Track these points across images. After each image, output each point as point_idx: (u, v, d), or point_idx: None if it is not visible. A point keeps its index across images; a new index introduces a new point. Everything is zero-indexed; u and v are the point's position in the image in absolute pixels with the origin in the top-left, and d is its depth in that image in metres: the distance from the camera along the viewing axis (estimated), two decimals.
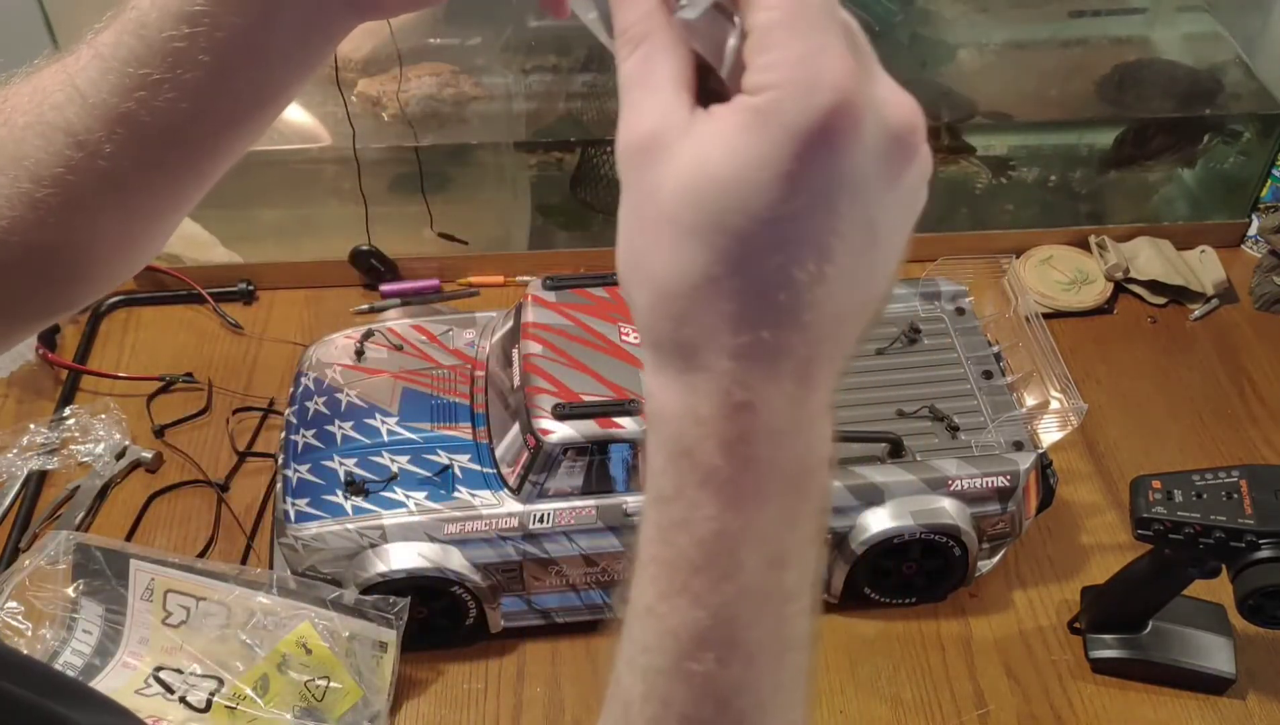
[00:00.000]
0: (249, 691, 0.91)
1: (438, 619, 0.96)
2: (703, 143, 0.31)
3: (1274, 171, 1.34)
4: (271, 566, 0.99)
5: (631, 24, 0.33)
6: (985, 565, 1.02)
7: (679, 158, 0.31)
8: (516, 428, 0.94)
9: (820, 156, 0.30)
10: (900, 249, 0.35)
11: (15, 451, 1.12)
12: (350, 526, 0.92)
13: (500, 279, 1.32)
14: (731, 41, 0.33)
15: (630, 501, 0.93)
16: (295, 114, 1.28)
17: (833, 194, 0.31)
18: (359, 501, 0.93)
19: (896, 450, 0.97)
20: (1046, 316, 1.10)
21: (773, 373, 0.32)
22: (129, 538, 1.07)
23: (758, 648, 0.35)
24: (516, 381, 0.95)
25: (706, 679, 0.34)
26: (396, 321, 1.10)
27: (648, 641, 0.35)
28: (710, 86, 0.33)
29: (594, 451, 0.90)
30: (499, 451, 0.95)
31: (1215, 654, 0.95)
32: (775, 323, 0.32)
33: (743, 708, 0.35)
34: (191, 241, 1.31)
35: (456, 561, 0.92)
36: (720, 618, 0.34)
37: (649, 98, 0.32)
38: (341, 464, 0.96)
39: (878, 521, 0.94)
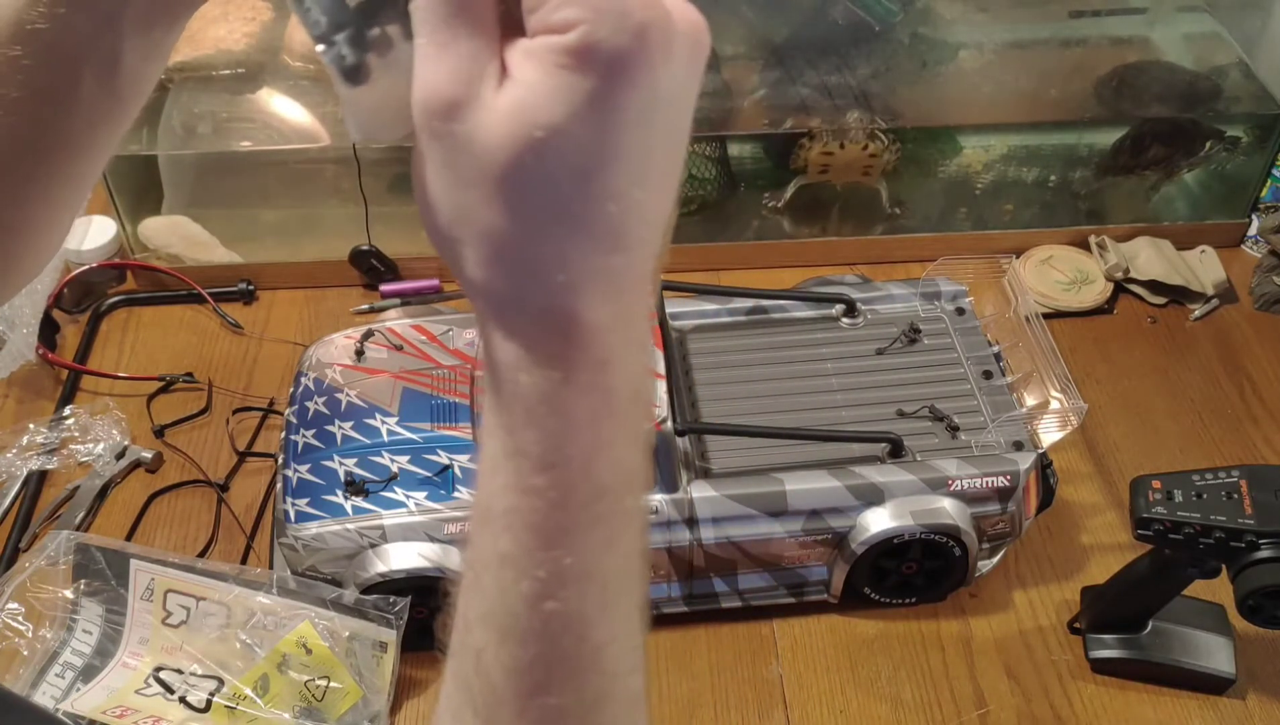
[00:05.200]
0: (249, 691, 0.91)
1: (438, 619, 0.96)
2: (521, 92, 0.30)
3: (1274, 171, 1.34)
4: (271, 566, 0.99)
5: None
6: (985, 565, 1.02)
7: (496, 111, 0.30)
8: None
9: (643, 80, 0.30)
10: (681, 161, 0.34)
11: (15, 451, 1.12)
12: (350, 526, 0.92)
13: None
14: None
15: None
16: (295, 114, 1.28)
17: (656, 110, 0.31)
18: (359, 501, 0.93)
19: (896, 450, 0.97)
20: (1046, 316, 1.10)
21: (617, 295, 0.33)
22: (129, 538, 1.07)
23: (611, 573, 0.35)
24: None
25: (566, 616, 0.34)
26: (396, 321, 1.10)
27: (504, 588, 0.34)
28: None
29: None
30: None
31: (1215, 654, 0.95)
32: (621, 246, 0.32)
33: (599, 638, 0.35)
34: (191, 241, 1.31)
35: (456, 561, 0.92)
36: (580, 552, 0.34)
37: (451, 50, 0.31)
38: (341, 464, 0.96)
39: (878, 521, 0.94)
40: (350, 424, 0.99)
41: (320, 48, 0.33)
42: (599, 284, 0.32)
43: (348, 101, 0.33)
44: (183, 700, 0.91)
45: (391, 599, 0.92)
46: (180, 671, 0.93)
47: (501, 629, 0.35)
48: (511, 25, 0.31)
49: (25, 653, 0.92)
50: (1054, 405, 1.00)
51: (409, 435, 0.98)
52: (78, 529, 1.06)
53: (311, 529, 0.92)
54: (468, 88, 0.30)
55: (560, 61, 0.29)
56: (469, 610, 0.36)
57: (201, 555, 1.05)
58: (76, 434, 1.14)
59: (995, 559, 1.02)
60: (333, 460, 0.97)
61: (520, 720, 0.35)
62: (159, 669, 0.93)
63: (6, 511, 1.09)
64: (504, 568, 0.34)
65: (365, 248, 1.29)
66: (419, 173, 0.33)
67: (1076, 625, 1.00)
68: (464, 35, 0.31)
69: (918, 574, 1.00)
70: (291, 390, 1.05)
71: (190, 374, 1.21)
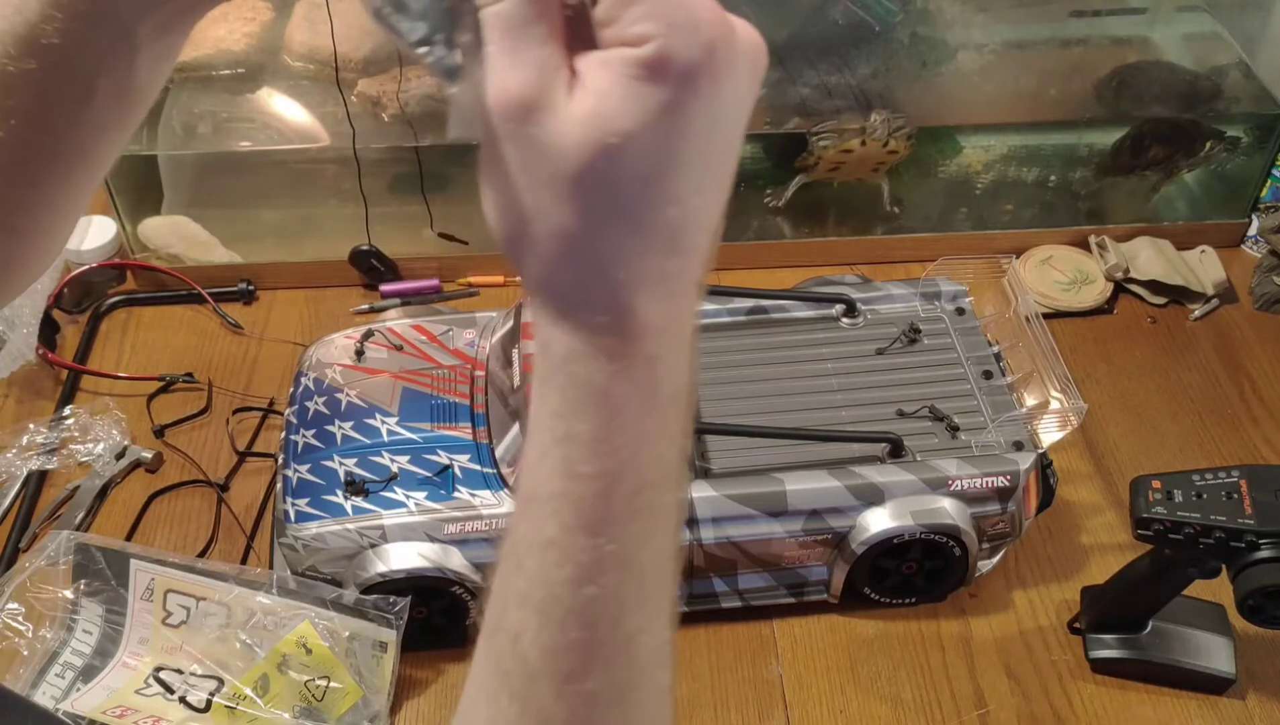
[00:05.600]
0: (249, 691, 0.91)
1: (438, 619, 0.96)
2: (596, 100, 0.32)
3: (1274, 171, 1.34)
4: (271, 566, 0.99)
5: None
6: (985, 565, 1.02)
7: (571, 117, 0.32)
8: (516, 428, 0.94)
9: (709, 92, 0.32)
10: (732, 171, 0.36)
11: (15, 451, 1.12)
12: (350, 526, 0.92)
13: (500, 279, 1.32)
14: None
15: None
16: (295, 114, 1.28)
17: (718, 122, 0.33)
18: (359, 501, 0.93)
19: (896, 450, 0.97)
20: (1046, 316, 1.10)
21: (671, 297, 0.35)
22: (129, 538, 1.07)
23: (648, 566, 0.36)
24: (516, 381, 0.95)
25: (604, 601, 0.36)
26: (396, 321, 1.10)
27: (547, 574, 0.36)
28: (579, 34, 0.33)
29: None
30: (499, 451, 0.95)
31: (1215, 654, 0.95)
32: (678, 250, 0.34)
33: (631, 627, 0.36)
34: (191, 241, 1.31)
35: (456, 561, 0.92)
36: (622, 540, 0.35)
37: (522, 55, 0.32)
38: (341, 464, 0.96)
39: (878, 521, 0.94)
40: (350, 424, 0.99)
41: (422, 50, 0.34)
42: (655, 285, 0.34)
43: (451, 101, 0.35)
44: (183, 700, 0.91)
45: (391, 599, 0.92)
46: (180, 671, 0.93)
47: (542, 612, 0.36)
48: (577, 36, 0.33)
49: (25, 653, 0.92)
50: (1054, 405, 1.00)
51: (409, 435, 0.98)
52: (78, 529, 1.06)
53: (311, 529, 0.92)
54: (540, 93, 0.32)
55: (634, 73, 0.31)
56: (508, 593, 0.37)
57: (201, 555, 1.05)
58: (76, 434, 1.14)
59: (995, 559, 1.02)
60: (333, 460, 0.97)
61: (557, 703, 0.36)
62: (159, 669, 0.93)
63: (6, 511, 1.09)
64: (547, 551, 0.35)
65: (365, 248, 1.29)
66: (488, 172, 0.34)
67: (1076, 625, 1.00)
68: (535, 43, 0.32)
69: (918, 574, 1.00)
70: (291, 390, 1.05)
71: (190, 374, 1.21)
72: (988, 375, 1.04)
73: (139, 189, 1.31)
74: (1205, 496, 0.84)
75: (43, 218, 0.49)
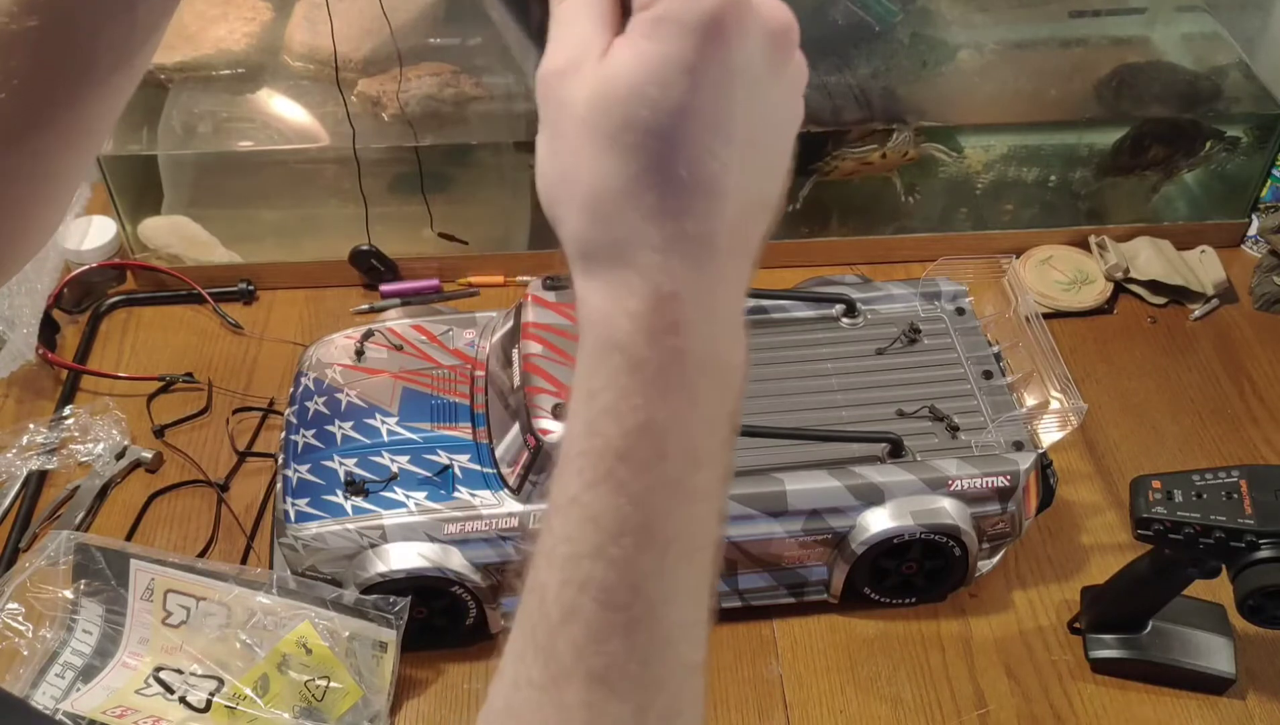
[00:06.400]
0: (249, 691, 0.91)
1: (438, 619, 0.96)
2: (610, 56, 0.34)
3: (1274, 171, 1.34)
4: (271, 566, 0.99)
5: None
6: (985, 565, 1.02)
7: (592, 73, 0.35)
8: (517, 428, 0.94)
9: (714, 49, 0.34)
10: (786, 154, 0.38)
11: (15, 451, 1.12)
12: (350, 526, 0.92)
13: (500, 279, 1.32)
14: None
15: None
16: (295, 114, 1.28)
17: (730, 83, 0.35)
18: (359, 501, 0.93)
19: (896, 450, 0.97)
20: (1046, 316, 1.10)
21: (695, 263, 0.35)
22: (129, 538, 1.07)
23: (672, 538, 0.37)
24: (516, 381, 0.95)
25: (624, 564, 0.36)
26: (396, 321, 1.10)
27: (569, 531, 0.36)
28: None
29: None
30: (499, 451, 0.95)
31: (1215, 654, 0.95)
32: (693, 212, 0.35)
33: (653, 596, 0.37)
34: (191, 241, 1.31)
35: (456, 561, 0.92)
36: (640, 504, 0.36)
37: (570, 31, 0.36)
38: (341, 464, 0.96)
39: (878, 521, 0.94)
40: (350, 424, 0.99)
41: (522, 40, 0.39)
42: (673, 247, 0.35)
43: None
44: (183, 700, 0.91)
45: (391, 599, 0.92)
46: (180, 671, 0.93)
47: (565, 570, 0.36)
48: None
49: (25, 653, 0.92)
50: (1054, 405, 1.00)
51: (409, 435, 0.98)
52: (78, 529, 1.06)
53: (311, 529, 0.92)
54: (573, 60, 0.35)
55: (642, 30, 0.34)
56: (539, 551, 0.38)
57: (201, 555, 1.05)
58: (76, 434, 1.14)
59: (995, 559, 1.02)
60: (333, 460, 0.97)
61: (577, 658, 0.36)
62: (159, 669, 0.93)
63: (6, 511, 1.09)
64: (571, 508, 0.36)
65: (365, 248, 1.29)
66: (537, 142, 0.37)
67: (1076, 625, 1.00)
68: (583, 19, 0.35)
69: (918, 574, 1.00)
70: (291, 390, 1.05)
71: (190, 374, 1.21)
72: (988, 375, 1.04)
73: (139, 189, 1.31)
74: (1205, 496, 0.84)
75: (43, 188, 0.49)
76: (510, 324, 1.02)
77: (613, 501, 0.36)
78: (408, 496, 0.94)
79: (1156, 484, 0.86)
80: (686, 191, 0.35)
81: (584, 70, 0.35)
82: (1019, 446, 0.98)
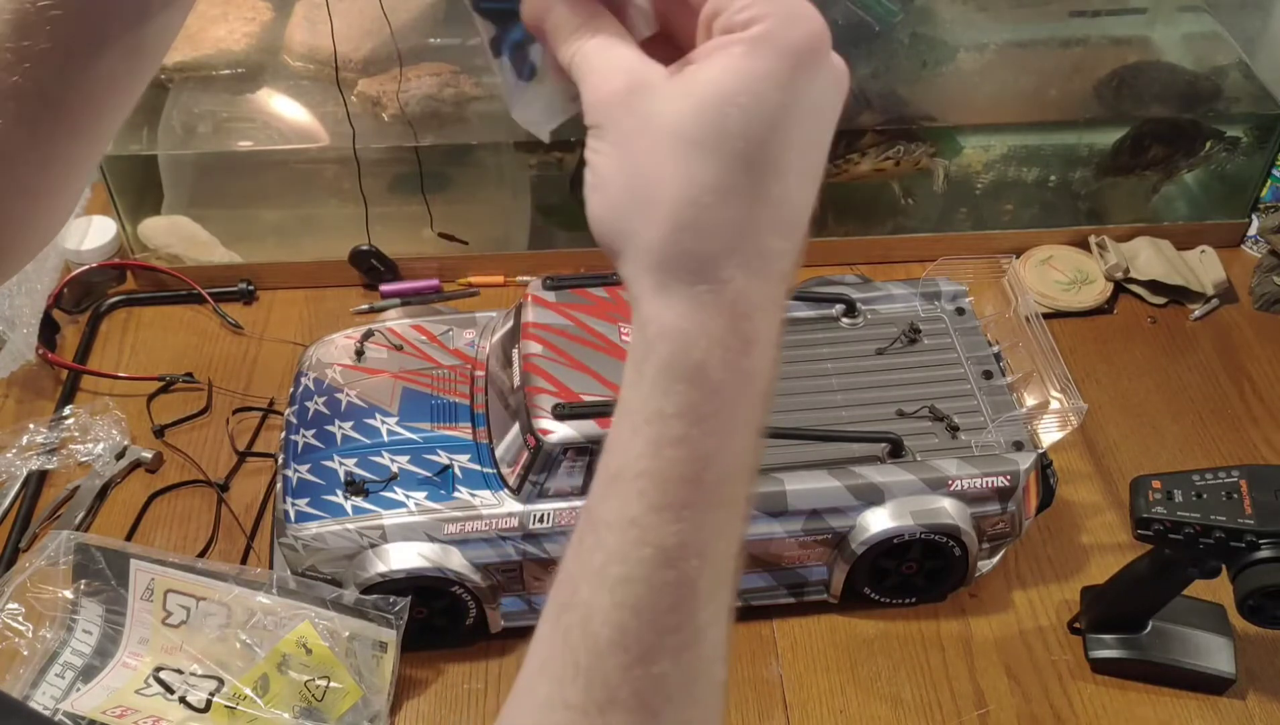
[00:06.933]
0: (249, 691, 0.91)
1: (438, 619, 0.96)
2: (699, 69, 0.35)
3: (1274, 171, 1.34)
4: (271, 566, 0.99)
5: (573, 14, 0.38)
6: (985, 565, 1.02)
7: (678, 86, 0.35)
8: (516, 428, 0.94)
9: (808, 72, 0.35)
10: (818, 183, 0.38)
11: (15, 451, 1.12)
12: (350, 526, 0.92)
13: (500, 279, 1.32)
14: (642, 3, 0.39)
15: None
16: (295, 114, 1.28)
17: (814, 110, 0.35)
18: (359, 501, 0.93)
19: (896, 450, 0.97)
20: (1046, 316, 1.10)
21: (769, 280, 0.36)
22: (129, 538, 1.07)
23: (723, 558, 0.37)
24: (516, 381, 0.95)
25: (682, 588, 0.36)
26: (396, 321, 1.10)
27: (626, 552, 0.36)
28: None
29: (594, 451, 0.90)
30: (499, 451, 0.95)
31: (1215, 654, 0.95)
32: (781, 230, 0.36)
33: (702, 619, 0.37)
34: (191, 241, 1.31)
35: (456, 561, 0.92)
36: (701, 528, 0.36)
37: (612, 57, 0.36)
38: (341, 464, 0.96)
39: (878, 521, 0.94)
40: (350, 424, 0.99)
41: (500, 59, 0.41)
42: (758, 262, 0.35)
43: (523, 96, 0.41)
44: (183, 700, 0.91)
45: (391, 599, 0.92)
46: (180, 671, 0.93)
47: (618, 592, 0.36)
48: (658, 40, 0.38)
49: (25, 653, 0.92)
50: (1054, 405, 1.00)
51: (409, 435, 0.98)
52: (78, 529, 1.06)
53: (311, 529, 0.92)
54: (636, 80, 0.36)
55: (746, 50, 0.34)
56: (583, 571, 0.37)
57: (201, 555, 1.05)
58: (76, 434, 1.14)
59: (995, 559, 1.02)
60: (333, 460, 0.97)
61: (623, 684, 0.36)
62: (159, 669, 0.93)
63: (6, 511, 1.09)
64: (629, 530, 0.36)
65: (365, 248, 1.29)
66: (594, 159, 0.36)
67: (1076, 625, 1.00)
68: (620, 48, 0.37)
69: (918, 574, 1.00)
70: (291, 390, 1.05)
71: (190, 374, 1.21)
72: (988, 375, 1.04)
73: (139, 189, 1.31)
74: (1205, 496, 0.84)
75: (54, 178, 0.49)
76: (510, 324, 1.02)
77: (677, 527, 0.35)
78: (408, 496, 0.94)
79: (1156, 484, 0.86)
80: (774, 205, 0.35)
81: (658, 86, 0.35)
82: (1019, 446, 0.98)
